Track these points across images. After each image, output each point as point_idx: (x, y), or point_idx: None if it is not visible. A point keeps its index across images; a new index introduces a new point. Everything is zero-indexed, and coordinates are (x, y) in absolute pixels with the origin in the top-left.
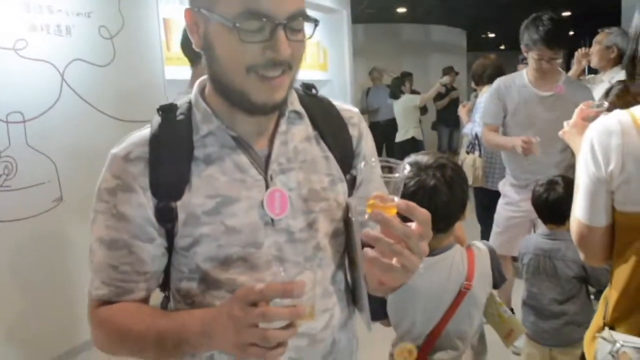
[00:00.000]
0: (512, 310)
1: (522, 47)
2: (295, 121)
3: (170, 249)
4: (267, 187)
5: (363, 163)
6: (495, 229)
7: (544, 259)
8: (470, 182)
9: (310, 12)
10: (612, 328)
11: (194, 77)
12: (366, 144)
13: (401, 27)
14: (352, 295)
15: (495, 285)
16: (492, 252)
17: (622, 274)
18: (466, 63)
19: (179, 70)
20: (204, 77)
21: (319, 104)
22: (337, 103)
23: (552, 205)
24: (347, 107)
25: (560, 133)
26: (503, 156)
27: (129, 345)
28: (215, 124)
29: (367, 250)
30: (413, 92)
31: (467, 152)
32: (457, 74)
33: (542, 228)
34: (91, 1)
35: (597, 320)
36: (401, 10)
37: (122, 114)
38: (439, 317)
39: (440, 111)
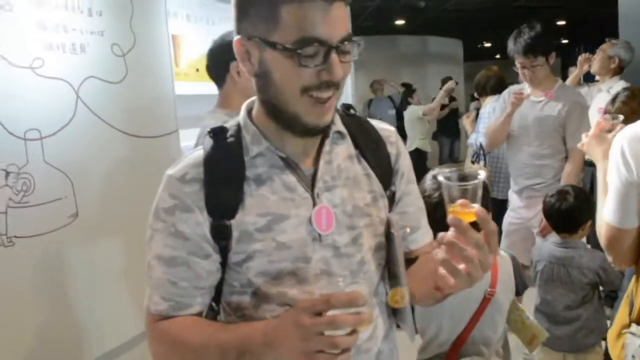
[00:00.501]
0: None
1: (511, 59)
2: (338, 141)
3: (223, 264)
4: (314, 204)
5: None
6: (502, 235)
7: (558, 267)
8: None
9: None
10: (638, 324)
11: (222, 97)
12: (404, 161)
13: (399, 39)
14: (392, 309)
15: (518, 292)
16: (513, 259)
17: None
18: (463, 73)
19: (187, 85)
20: (251, 100)
21: (358, 124)
22: (375, 122)
23: (566, 215)
24: (384, 126)
25: (579, 145)
26: (508, 160)
27: (189, 358)
28: (265, 145)
29: (437, 251)
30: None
31: (472, 162)
32: (456, 83)
33: (554, 236)
34: (104, 20)
35: (621, 318)
36: (399, 22)
37: (134, 129)
38: (464, 323)
39: (440, 121)
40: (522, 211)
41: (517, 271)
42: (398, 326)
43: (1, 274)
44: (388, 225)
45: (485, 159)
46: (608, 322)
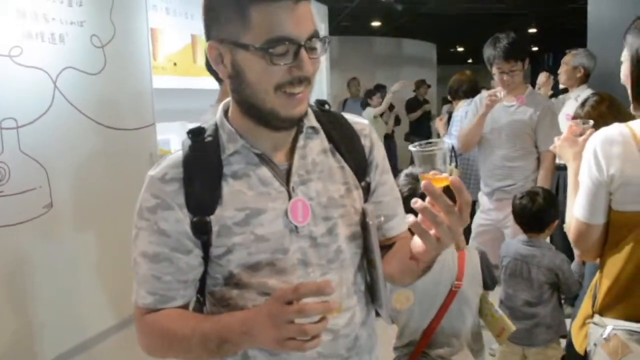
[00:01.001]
0: None
1: (486, 63)
2: (312, 136)
3: (205, 258)
4: (289, 197)
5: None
6: (472, 235)
7: (521, 263)
8: None
9: None
10: (601, 315)
11: (221, 92)
12: (378, 153)
13: (375, 40)
14: (370, 295)
15: (486, 287)
16: (482, 254)
17: (614, 265)
18: (436, 76)
19: (165, 79)
20: (226, 100)
21: (332, 119)
22: (348, 116)
23: (535, 216)
24: (357, 119)
25: (551, 147)
26: (479, 162)
27: (175, 348)
28: (240, 143)
29: (410, 216)
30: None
31: None
32: (429, 86)
33: (522, 235)
34: (84, 10)
35: (585, 309)
36: (375, 23)
37: (111, 121)
38: (433, 313)
39: (412, 123)
40: (493, 213)
41: (486, 266)
42: (377, 314)
43: None
44: (364, 215)
45: (456, 161)
46: (567, 320)
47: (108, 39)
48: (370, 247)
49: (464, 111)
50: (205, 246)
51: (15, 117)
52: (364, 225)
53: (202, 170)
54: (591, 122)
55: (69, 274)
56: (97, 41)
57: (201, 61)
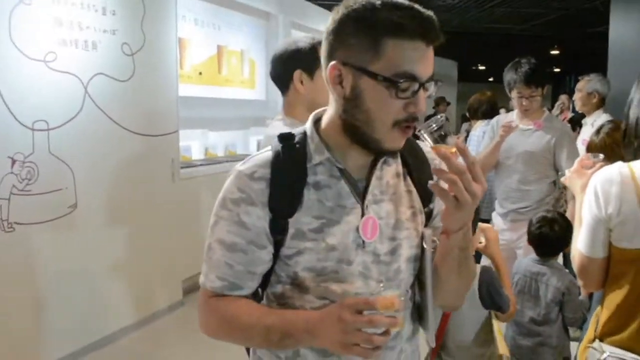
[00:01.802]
0: None
1: (506, 87)
2: (389, 160)
3: (275, 255)
4: (362, 214)
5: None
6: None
7: (530, 280)
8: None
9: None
10: (601, 340)
11: (286, 104)
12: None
13: None
14: (418, 316)
15: (484, 305)
16: (483, 272)
17: (614, 298)
18: (456, 93)
19: (190, 88)
20: (319, 110)
21: (408, 145)
22: (422, 144)
23: (552, 243)
24: (428, 148)
25: (562, 179)
26: (495, 184)
27: (237, 334)
28: (326, 156)
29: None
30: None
31: None
32: (448, 104)
33: (533, 253)
34: (117, 19)
35: (589, 334)
36: None
37: (137, 127)
38: None
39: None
40: (507, 233)
41: (486, 284)
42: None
43: (0, 258)
44: (422, 239)
45: None
46: (573, 344)
47: (138, 47)
48: (424, 270)
49: (482, 131)
50: (278, 245)
51: (46, 120)
52: (421, 249)
53: (288, 175)
54: (601, 156)
55: (90, 272)
56: (127, 49)
57: (226, 71)
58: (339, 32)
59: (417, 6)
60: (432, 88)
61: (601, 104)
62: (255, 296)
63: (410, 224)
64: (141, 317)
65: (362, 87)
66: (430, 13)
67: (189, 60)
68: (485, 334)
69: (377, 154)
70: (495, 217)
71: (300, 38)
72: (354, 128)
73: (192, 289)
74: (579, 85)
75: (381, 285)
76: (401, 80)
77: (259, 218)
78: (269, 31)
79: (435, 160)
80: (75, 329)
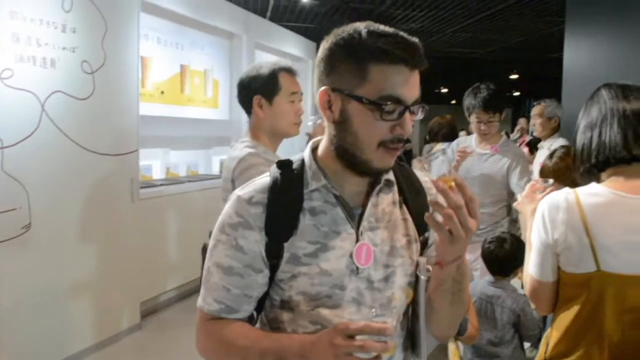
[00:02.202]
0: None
1: (465, 112)
2: (385, 189)
3: (270, 279)
4: (357, 240)
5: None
6: None
7: (486, 303)
8: None
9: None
10: None
11: (251, 127)
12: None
13: None
14: (411, 344)
15: None
16: None
17: (563, 320)
18: None
19: (151, 107)
20: (317, 139)
21: (406, 174)
22: (419, 174)
23: (502, 261)
24: (426, 178)
25: (514, 204)
26: None
27: (233, 357)
28: (322, 182)
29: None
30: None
31: None
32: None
33: (489, 276)
34: (77, 37)
35: (539, 355)
36: None
37: (95, 146)
38: None
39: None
40: (466, 255)
41: None
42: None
43: None
44: (416, 267)
45: None
46: None
47: (99, 66)
48: (418, 299)
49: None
50: (273, 269)
51: (1, 138)
52: (415, 277)
53: (285, 201)
54: (551, 181)
55: (46, 295)
56: (87, 67)
57: (189, 90)
58: (328, 60)
59: (402, 33)
60: (419, 112)
61: (558, 128)
62: (251, 320)
63: (405, 252)
64: (100, 339)
65: (350, 111)
66: (414, 39)
67: (151, 79)
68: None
69: (369, 175)
70: None
71: (264, 63)
72: (344, 151)
73: (151, 312)
74: (537, 110)
75: (373, 311)
76: (386, 103)
77: (256, 242)
78: (233, 51)
79: (432, 190)
80: (31, 352)
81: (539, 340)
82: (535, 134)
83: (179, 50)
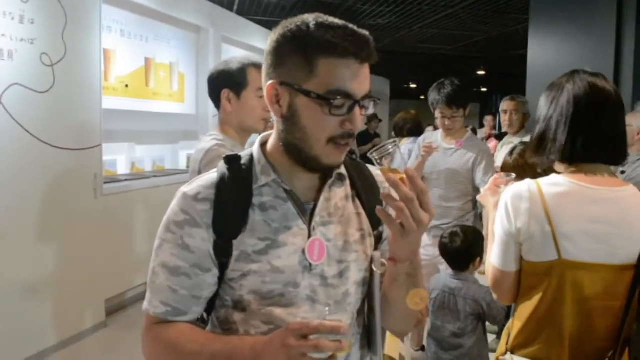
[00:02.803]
0: (423, 347)
1: (430, 107)
2: (338, 183)
3: (220, 279)
4: (309, 236)
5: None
6: None
7: (449, 296)
8: None
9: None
10: (512, 353)
11: (220, 122)
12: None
13: None
14: (367, 341)
15: None
16: None
17: (525, 310)
18: (389, 110)
19: (115, 100)
20: (265, 134)
21: (358, 168)
22: (372, 168)
23: (456, 254)
24: (378, 171)
25: (477, 197)
26: None
27: None
28: (272, 177)
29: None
30: (372, 134)
31: None
32: (380, 121)
33: (449, 269)
34: (36, 28)
35: (501, 346)
36: None
37: (56, 140)
38: None
39: (363, 155)
40: (430, 248)
41: None
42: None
43: None
44: (371, 262)
45: None
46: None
47: (59, 58)
48: (373, 293)
49: (407, 148)
50: (223, 268)
51: None
52: (370, 272)
53: (233, 196)
54: (513, 175)
55: (8, 293)
56: (47, 59)
57: (154, 84)
58: (276, 53)
59: (351, 25)
60: (370, 106)
61: (525, 121)
62: (203, 321)
63: (359, 247)
64: (64, 337)
65: (298, 106)
66: (364, 32)
67: (114, 72)
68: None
69: (319, 171)
70: None
71: (234, 58)
72: (293, 147)
73: (116, 309)
74: (511, 106)
75: (327, 309)
76: (334, 98)
77: (203, 240)
78: (199, 45)
79: (385, 184)
80: None
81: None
82: (505, 129)
83: (143, 42)
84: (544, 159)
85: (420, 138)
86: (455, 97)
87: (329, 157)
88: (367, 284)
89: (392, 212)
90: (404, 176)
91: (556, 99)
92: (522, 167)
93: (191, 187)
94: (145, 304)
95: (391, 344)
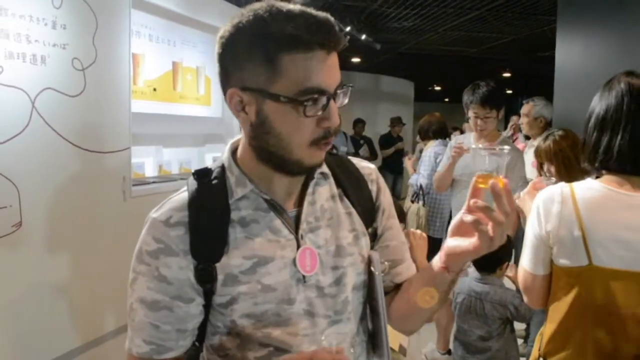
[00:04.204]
0: (449, 351)
1: (464, 107)
2: (321, 181)
3: (207, 306)
4: (298, 246)
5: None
6: None
7: (475, 300)
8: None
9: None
10: (545, 359)
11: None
12: (384, 198)
13: (354, 75)
14: (372, 344)
15: None
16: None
17: (556, 315)
18: (413, 113)
19: (143, 104)
20: (234, 140)
21: (340, 163)
22: (355, 161)
23: (486, 257)
24: (364, 164)
25: (517, 201)
26: (452, 201)
27: None
28: (249, 188)
29: (465, 215)
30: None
31: (412, 202)
32: (403, 124)
33: (475, 272)
34: (68, 33)
35: (534, 352)
36: (355, 59)
37: (87, 143)
38: None
39: (385, 159)
40: None
41: None
42: None
43: None
44: (369, 263)
45: (424, 199)
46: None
47: (89, 63)
48: (375, 295)
49: (432, 151)
50: (209, 294)
51: None
52: (369, 274)
53: (209, 215)
54: (553, 179)
55: (35, 294)
56: (78, 64)
57: (181, 87)
58: (231, 55)
59: (309, 10)
60: (342, 97)
61: (546, 127)
62: (196, 349)
63: (353, 249)
64: (87, 340)
65: (268, 112)
66: (325, 15)
67: (142, 76)
68: None
69: (301, 174)
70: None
71: None
72: (268, 154)
73: None
74: (525, 109)
75: (323, 338)
76: (307, 98)
77: (181, 269)
78: None
79: (371, 176)
80: (17, 353)
81: (528, 335)
82: (523, 132)
83: (170, 47)
84: (591, 164)
85: (452, 141)
86: (489, 97)
87: (311, 158)
88: (366, 286)
89: (468, 219)
90: (505, 181)
91: (605, 102)
92: (555, 153)
93: (161, 211)
94: (127, 343)
95: (391, 336)
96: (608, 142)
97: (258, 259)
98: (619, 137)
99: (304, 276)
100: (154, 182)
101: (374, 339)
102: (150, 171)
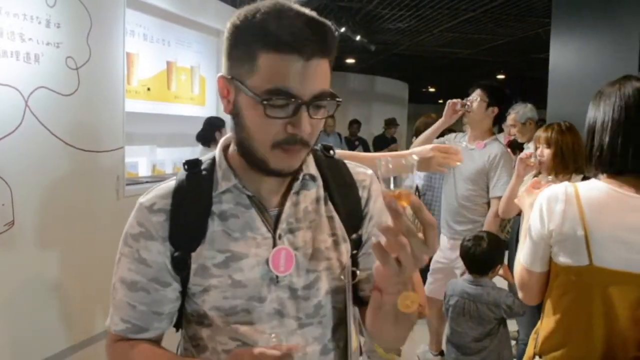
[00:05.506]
0: (442, 352)
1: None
2: (308, 183)
3: (184, 293)
4: (274, 245)
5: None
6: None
7: (469, 302)
8: None
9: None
10: (541, 357)
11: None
12: (374, 205)
13: (349, 76)
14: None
15: None
16: None
17: (554, 313)
18: (407, 114)
19: (137, 103)
20: (228, 135)
21: (333, 166)
22: (351, 165)
23: (479, 258)
24: (360, 169)
25: (515, 200)
26: (442, 206)
27: None
28: (233, 182)
29: (374, 239)
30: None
31: None
32: (397, 126)
33: (467, 275)
34: (62, 32)
35: (529, 350)
36: (350, 60)
37: (80, 143)
38: None
39: None
40: (448, 252)
41: None
42: None
43: None
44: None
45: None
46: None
47: (83, 62)
48: (345, 304)
49: None
50: (184, 282)
51: None
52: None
53: (191, 205)
54: (551, 178)
55: (27, 293)
56: (72, 63)
57: (175, 87)
58: (226, 43)
59: (309, 15)
60: (321, 110)
61: (536, 128)
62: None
63: (331, 254)
64: (80, 339)
65: (241, 103)
66: (318, 22)
67: (136, 76)
68: None
69: (271, 175)
70: (442, 237)
71: None
72: (242, 147)
73: None
74: (510, 120)
75: (273, 336)
76: (269, 98)
77: (160, 253)
78: (219, 48)
79: (364, 183)
80: (9, 352)
81: (518, 335)
82: (521, 141)
83: (165, 46)
84: (592, 167)
85: (443, 138)
86: (488, 85)
87: (277, 162)
88: (343, 293)
89: (383, 240)
90: (405, 204)
91: (604, 106)
92: (556, 141)
93: (148, 197)
94: (107, 321)
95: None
96: (611, 144)
97: (232, 253)
98: (621, 139)
99: (277, 276)
100: (147, 182)
101: (345, 347)
102: (144, 171)
